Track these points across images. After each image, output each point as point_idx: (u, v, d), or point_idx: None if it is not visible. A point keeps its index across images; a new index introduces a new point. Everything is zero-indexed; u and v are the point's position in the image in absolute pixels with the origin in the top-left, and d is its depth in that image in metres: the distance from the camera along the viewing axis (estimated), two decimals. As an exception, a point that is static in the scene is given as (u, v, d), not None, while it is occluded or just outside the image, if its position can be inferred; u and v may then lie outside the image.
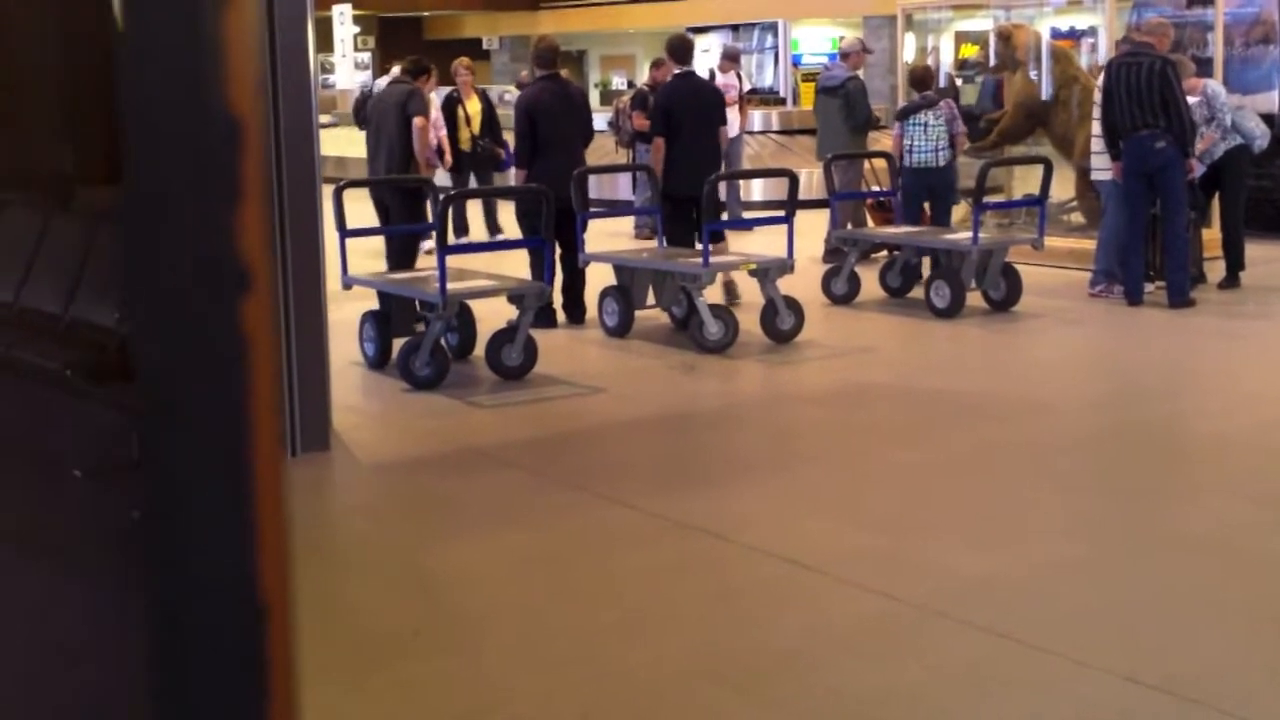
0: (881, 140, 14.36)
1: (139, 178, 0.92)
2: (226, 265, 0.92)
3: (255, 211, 0.93)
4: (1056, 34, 18.24)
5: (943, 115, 11.59)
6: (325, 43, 22.92)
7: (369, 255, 10.43)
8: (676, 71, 10.41)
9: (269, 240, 0.96)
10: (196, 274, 0.92)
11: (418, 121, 10.49)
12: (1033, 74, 12.91)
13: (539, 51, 10.41)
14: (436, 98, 12.78)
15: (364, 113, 11.84)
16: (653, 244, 11.51)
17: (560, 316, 9.85)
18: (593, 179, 13.11)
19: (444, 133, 12.77)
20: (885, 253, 11.64)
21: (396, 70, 12.46)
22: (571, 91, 10.35)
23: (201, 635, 1.03)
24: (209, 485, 0.98)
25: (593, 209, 10.62)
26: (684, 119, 10.07)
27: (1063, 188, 12.52)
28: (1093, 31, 17.22)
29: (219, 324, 0.94)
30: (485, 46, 31.82)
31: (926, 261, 10.73)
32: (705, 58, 19.98)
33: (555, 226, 8.49)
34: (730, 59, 15.74)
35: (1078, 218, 12.98)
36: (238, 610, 1.01)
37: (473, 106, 13.80)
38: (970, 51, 18.65)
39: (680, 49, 10.53)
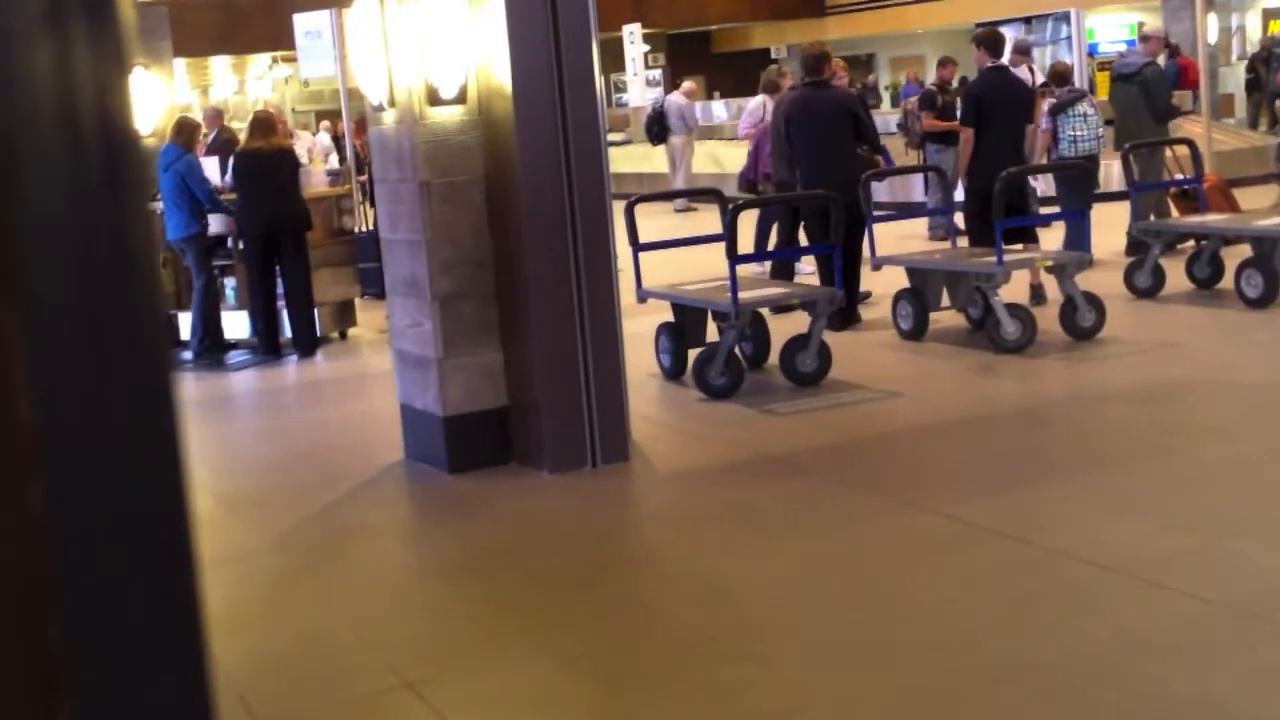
0: (1185, 127, 13.81)
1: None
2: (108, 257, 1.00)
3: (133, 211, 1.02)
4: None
5: (1095, 105, 11.99)
6: (616, 62, 23.38)
7: (662, 267, 10.58)
8: (989, 65, 10.27)
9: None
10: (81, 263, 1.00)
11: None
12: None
13: (805, 57, 10.40)
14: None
15: (656, 128, 11.95)
16: (946, 245, 11.34)
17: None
18: (885, 182, 12.98)
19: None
20: (1191, 243, 11.20)
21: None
22: (830, 96, 10.13)
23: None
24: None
25: (885, 211, 10.58)
26: (994, 112, 9.95)
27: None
28: None
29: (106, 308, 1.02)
30: (773, 56, 31.91)
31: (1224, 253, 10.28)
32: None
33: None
34: (1021, 52, 15.38)
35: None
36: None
37: None
38: (1278, 28, 17.82)
39: (992, 42, 10.40)
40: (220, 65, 26.41)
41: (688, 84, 21.92)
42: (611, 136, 7.46)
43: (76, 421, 1.05)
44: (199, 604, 1.12)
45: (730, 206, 8.60)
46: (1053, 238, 11.49)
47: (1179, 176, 12.27)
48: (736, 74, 30.93)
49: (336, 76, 12.71)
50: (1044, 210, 12.04)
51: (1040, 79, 16.69)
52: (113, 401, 1.06)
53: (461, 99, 6.76)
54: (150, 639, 1.08)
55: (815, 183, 9.46)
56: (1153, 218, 11.70)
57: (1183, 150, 12.01)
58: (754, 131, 12.71)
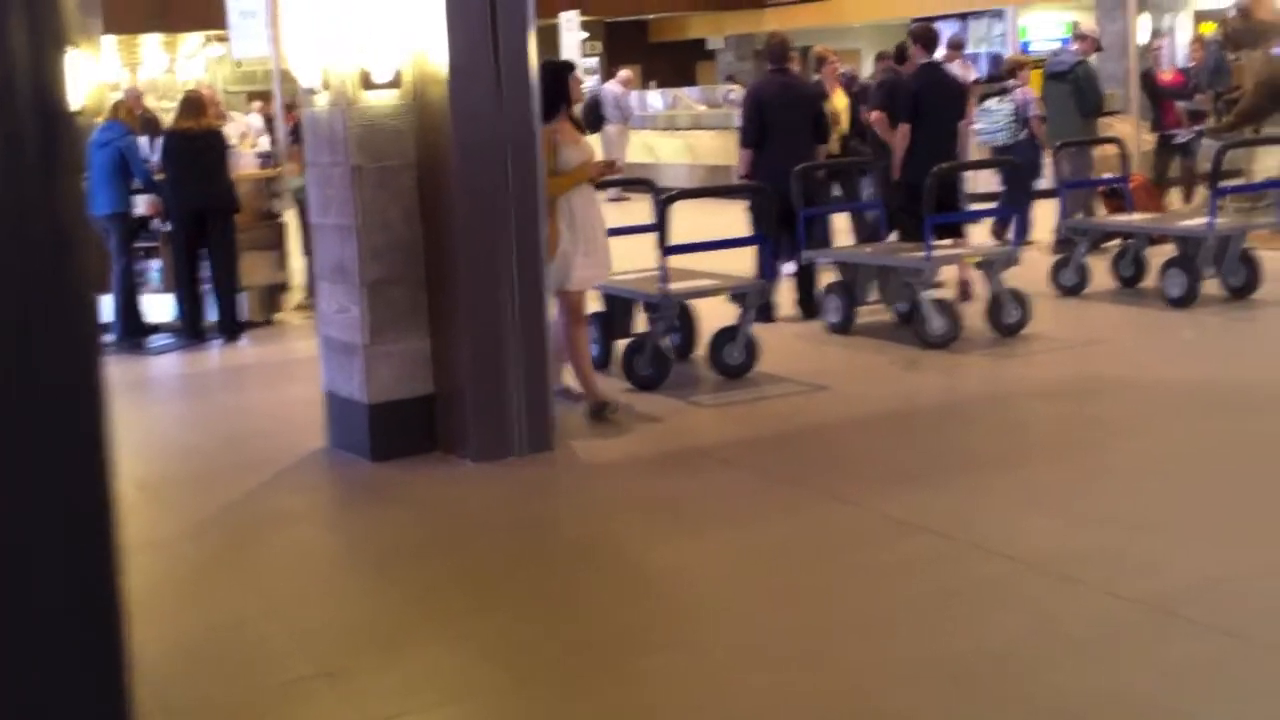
0: (1114, 126, 13.95)
1: None
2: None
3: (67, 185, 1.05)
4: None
5: (1017, 101, 12.74)
6: (553, 49, 23.30)
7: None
8: (923, 61, 10.32)
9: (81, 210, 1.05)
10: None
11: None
12: (1275, 50, 12.41)
13: (769, 46, 10.53)
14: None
15: (591, 117, 11.93)
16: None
17: (786, 312, 9.89)
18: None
19: None
20: (1117, 241, 11.33)
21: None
22: (798, 85, 10.37)
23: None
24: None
25: (820, 206, 10.63)
26: (930, 108, 10.01)
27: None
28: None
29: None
30: (710, 47, 31.93)
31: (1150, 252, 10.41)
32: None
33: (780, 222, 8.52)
34: (954, 48, 15.49)
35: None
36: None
37: (839, 101, 12.15)
38: (1209, 30, 18.01)
39: (927, 38, 10.44)
40: (151, 44, 26.08)
41: (624, 73, 21.90)
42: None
43: (3, 402, 1.03)
44: (120, 591, 1.10)
45: (663, 197, 8.59)
46: (983, 233, 11.57)
47: (1107, 175, 12.42)
48: (673, 64, 30.93)
49: (269, 57, 12.59)
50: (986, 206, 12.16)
51: (974, 75, 16.81)
52: (42, 383, 1.04)
53: (396, 83, 6.71)
54: (69, 625, 1.06)
55: (783, 169, 9.48)
56: (1080, 216, 11.82)
57: (1112, 150, 12.15)
58: None
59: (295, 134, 13.23)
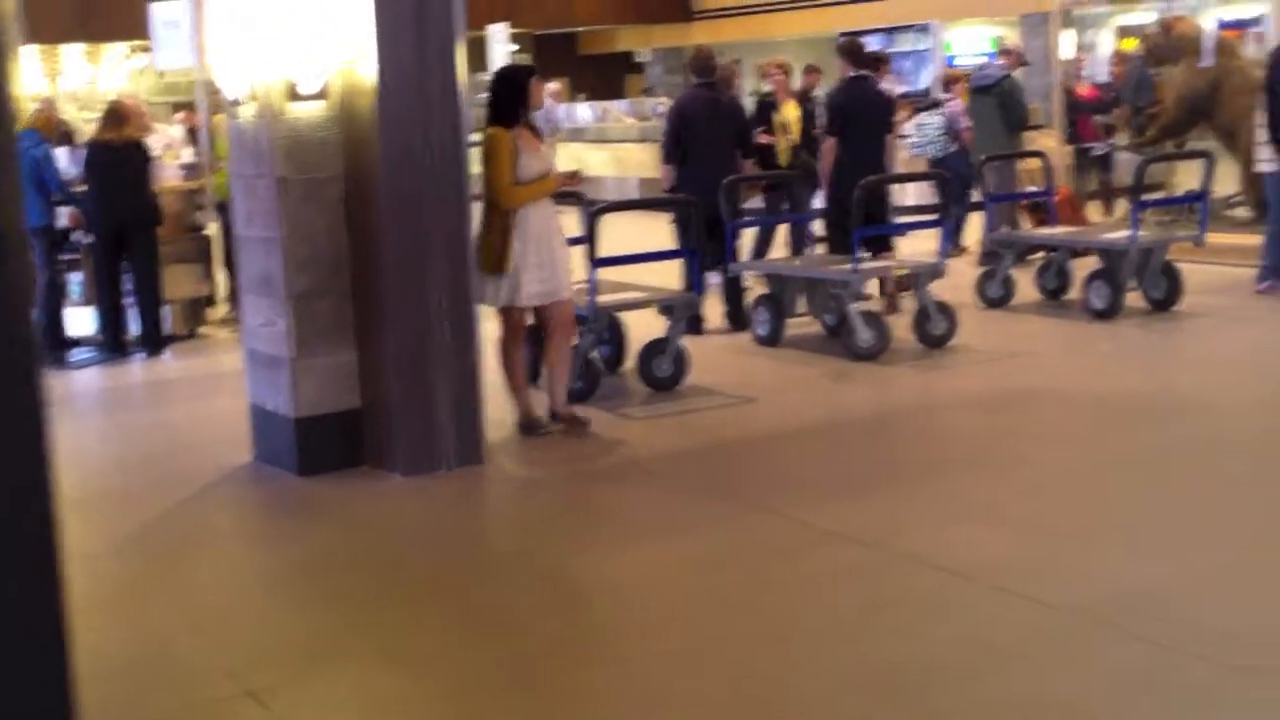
0: (1038, 140, 14.12)
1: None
2: None
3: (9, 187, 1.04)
4: (1221, 25, 17.74)
5: (947, 115, 13.09)
6: (481, 61, 23.22)
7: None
8: (851, 74, 10.36)
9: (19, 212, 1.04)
10: None
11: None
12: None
13: (694, 60, 10.54)
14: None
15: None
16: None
17: (714, 324, 9.91)
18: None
19: None
20: (1042, 254, 11.44)
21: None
22: (723, 99, 10.39)
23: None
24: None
25: (751, 218, 10.69)
26: (857, 122, 10.06)
27: (1226, 182, 12.19)
28: (1259, 21, 16.74)
29: None
30: (638, 59, 31.97)
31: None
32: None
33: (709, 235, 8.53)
34: (881, 61, 15.59)
35: (1243, 213, 12.62)
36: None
37: (790, 112, 11.97)
38: (1131, 45, 18.25)
39: (855, 52, 10.49)
40: (73, 53, 25.77)
41: (552, 85, 21.87)
42: (474, 136, 7.38)
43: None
44: (63, 609, 1.08)
45: (592, 209, 8.57)
46: (914, 246, 11.65)
47: (1031, 189, 12.55)
48: (601, 76, 30.93)
49: (194, 68, 12.46)
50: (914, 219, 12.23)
51: (901, 89, 16.94)
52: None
53: (323, 95, 6.66)
54: (12, 642, 1.03)
55: (709, 183, 9.48)
56: (1005, 229, 11.94)
57: (1036, 164, 12.28)
58: None
59: (193, 136, 13.08)
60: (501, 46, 23.06)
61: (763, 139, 11.36)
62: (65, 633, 1.12)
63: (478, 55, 19.37)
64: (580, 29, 31.28)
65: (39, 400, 1.09)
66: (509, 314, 7.29)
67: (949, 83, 13.42)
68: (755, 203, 12.13)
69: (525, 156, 7.05)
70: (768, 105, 12.06)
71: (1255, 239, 10.87)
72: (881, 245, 10.07)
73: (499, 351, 7.38)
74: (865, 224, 9.08)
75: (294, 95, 6.60)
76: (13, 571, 1.09)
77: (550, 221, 7.20)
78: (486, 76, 23.65)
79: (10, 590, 1.09)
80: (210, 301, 11.42)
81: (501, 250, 6.98)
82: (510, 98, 7.09)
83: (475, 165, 7.11)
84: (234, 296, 10.76)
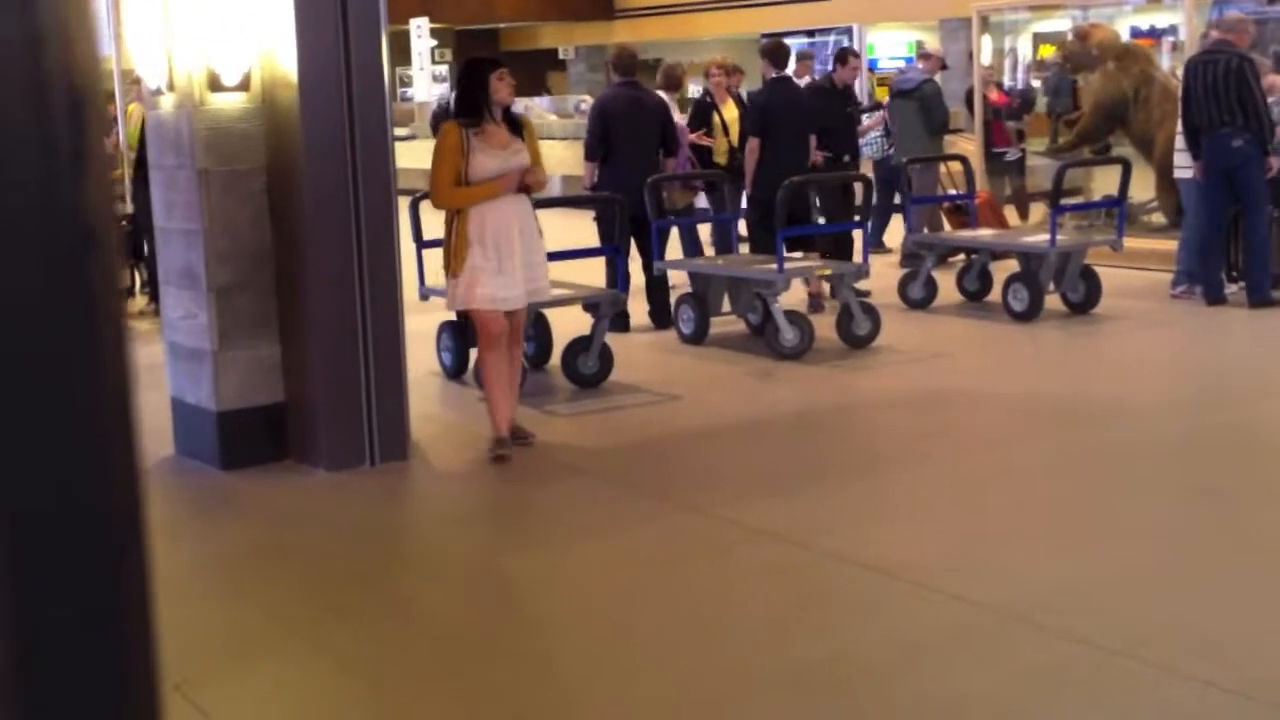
0: (958, 144, 14.26)
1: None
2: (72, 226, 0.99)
3: (96, 178, 1.01)
4: (1136, 33, 18.02)
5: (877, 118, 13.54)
6: (403, 56, 23.11)
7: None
8: (774, 75, 10.41)
9: (110, 205, 1.01)
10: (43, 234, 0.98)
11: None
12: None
13: (617, 58, 10.55)
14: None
15: (439, 123, 11.77)
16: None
17: (639, 321, 9.92)
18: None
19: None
20: (963, 257, 11.57)
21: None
22: (646, 98, 10.40)
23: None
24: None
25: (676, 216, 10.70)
26: (780, 123, 10.11)
27: (1143, 188, 12.38)
28: (1173, 30, 17.02)
29: (65, 279, 0.99)
30: (561, 57, 31.97)
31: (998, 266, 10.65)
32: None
33: (633, 234, 8.53)
34: (805, 60, 15.68)
35: (1159, 218, 12.82)
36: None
37: (729, 112, 11.71)
38: (1048, 52, 18.49)
39: (776, 53, 10.53)
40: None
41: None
42: (396, 131, 7.31)
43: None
44: (151, 601, 1.07)
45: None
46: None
47: (952, 192, 12.68)
48: (524, 73, 30.84)
49: (110, 57, 12.29)
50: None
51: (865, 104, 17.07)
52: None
53: (244, 86, 6.59)
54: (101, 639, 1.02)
55: (631, 181, 9.48)
56: (926, 231, 12.05)
57: (956, 166, 12.41)
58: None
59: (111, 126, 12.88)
60: (423, 41, 22.97)
61: (703, 140, 11.35)
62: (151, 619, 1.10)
63: (400, 49, 19.24)
64: (502, 25, 31.21)
65: (129, 383, 1.07)
66: (477, 319, 6.78)
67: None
68: (701, 203, 12.15)
69: (480, 155, 6.57)
70: (707, 106, 12.00)
71: (1171, 244, 11.04)
72: (805, 245, 10.13)
73: (478, 360, 7.11)
74: (788, 224, 9.13)
75: (216, 86, 6.53)
76: (107, 557, 1.06)
77: (513, 223, 6.64)
78: (410, 72, 23.39)
79: (103, 582, 1.07)
80: (130, 293, 11.27)
81: (456, 251, 6.62)
82: (469, 91, 6.72)
83: (408, 159, 7.03)
84: (152, 288, 10.64)
